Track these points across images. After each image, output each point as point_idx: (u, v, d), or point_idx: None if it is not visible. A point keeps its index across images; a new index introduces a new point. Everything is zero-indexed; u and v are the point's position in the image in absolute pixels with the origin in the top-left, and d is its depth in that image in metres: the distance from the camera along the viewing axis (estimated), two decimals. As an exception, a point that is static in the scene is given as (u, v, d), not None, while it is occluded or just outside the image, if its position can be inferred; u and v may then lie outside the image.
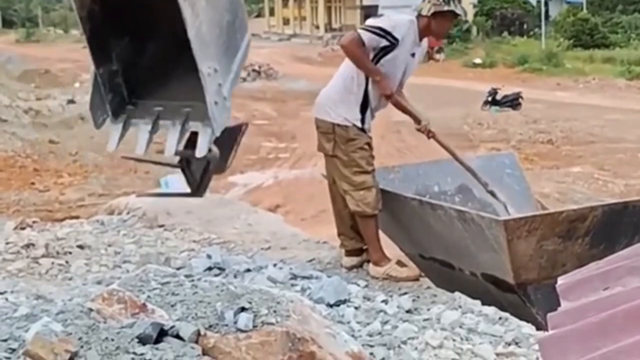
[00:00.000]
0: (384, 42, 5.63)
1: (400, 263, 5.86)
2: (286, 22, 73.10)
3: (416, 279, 5.75)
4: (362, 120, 5.73)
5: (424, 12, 5.74)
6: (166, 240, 6.79)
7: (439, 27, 5.83)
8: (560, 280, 2.04)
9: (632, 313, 1.67)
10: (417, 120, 6.06)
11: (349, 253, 6.07)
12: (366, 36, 5.60)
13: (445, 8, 5.74)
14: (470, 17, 51.11)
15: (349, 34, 5.74)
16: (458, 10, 5.83)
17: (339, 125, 5.69)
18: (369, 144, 5.79)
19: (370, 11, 58.21)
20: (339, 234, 6.11)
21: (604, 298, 1.83)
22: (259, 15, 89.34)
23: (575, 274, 2.09)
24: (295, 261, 6.00)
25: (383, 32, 5.62)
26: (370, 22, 5.76)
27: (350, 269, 6.00)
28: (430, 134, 6.09)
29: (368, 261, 5.95)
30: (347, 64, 5.86)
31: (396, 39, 5.65)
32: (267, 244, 6.68)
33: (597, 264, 2.12)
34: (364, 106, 5.73)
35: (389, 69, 5.74)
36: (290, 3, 71.37)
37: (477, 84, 30.69)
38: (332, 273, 5.65)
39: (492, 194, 6.27)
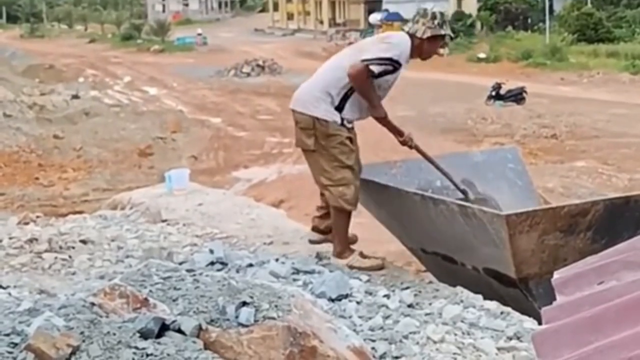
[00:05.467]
0: (389, 69, 5.68)
1: (362, 254, 5.92)
2: (290, 17, 73.14)
3: (380, 269, 5.81)
4: (342, 118, 5.76)
5: (419, 34, 5.73)
6: (169, 235, 6.80)
7: (430, 49, 5.86)
8: (557, 275, 2.05)
9: (626, 307, 1.67)
10: (401, 133, 6.08)
11: (315, 229, 6.23)
12: (377, 69, 5.62)
13: (442, 32, 5.79)
14: (474, 12, 51.08)
15: (358, 65, 5.60)
16: (451, 34, 5.96)
17: (318, 119, 5.72)
18: (350, 139, 5.82)
19: (374, 6, 58.23)
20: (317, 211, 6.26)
21: (598, 292, 1.84)
22: (262, 10, 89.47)
23: (571, 268, 2.09)
24: (298, 256, 6.01)
25: (392, 62, 5.66)
26: (378, 51, 5.65)
27: (313, 243, 6.19)
28: (413, 146, 6.14)
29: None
30: (332, 66, 5.91)
31: (400, 64, 5.71)
32: (270, 239, 6.69)
33: (594, 258, 2.13)
34: (340, 108, 5.76)
35: (384, 86, 5.81)
36: (294, -2, 71.28)
37: (481, 79, 30.68)
38: (334, 268, 5.66)
39: (464, 192, 6.26)
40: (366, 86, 5.69)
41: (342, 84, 5.71)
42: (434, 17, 5.75)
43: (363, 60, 5.60)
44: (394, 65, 5.67)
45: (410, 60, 5.89)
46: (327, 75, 5.85)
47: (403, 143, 6.10)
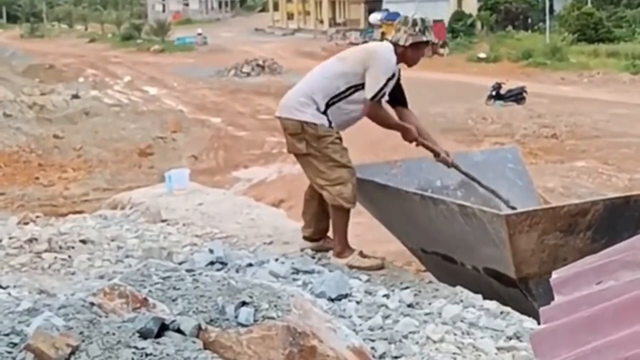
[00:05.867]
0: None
1: (362, 254, 5.94)
2: (290, 16, 73.15)
3: (379, 269, 5.84)
4: (328, 120, 5.82)
5: (402, 42, 5.81)
6: (169, 235, 6.80)
7: (415, 55, 5.94)
8: (555, 274, 2.05)
9: (623, 307, 1.67)
10: (437, 154, 6.19)
11: (307, 238, 6.27)
12: (384, 98, 5.82)
13: (424, 39, 5.86)
14: (474, 11, 51.07)
15: (369, 107, 5.77)
16: (434, 39, 6.01)
17: (306, 123, 5.78)
18: (339, 139, 5.89)
19: (374, 6, 58.21)
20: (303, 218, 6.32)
21: (596, 292, 1.84)
22: (263, 10, 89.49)
23: (570, 267, 2.09)
24: (297, 256, 6.01)
25: (390, 79, 5.78)
26: (374, 84, 5.72)
27: (303, 249, 6.20)
28: (450, 164, 6.23)
29: (328, 249, 6.07)
30: (318, 75, 5.97)
31: (393, 75, 5.83)
32: (270, 238, 6.69)
33: (592, 257, 2.13)
34: (324, 114, 5.83)
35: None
36: (295, -2, 71.27)
37: (481, 79, 30.67)
38: (334, 268, 5.66)
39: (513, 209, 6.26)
40: (386, 118, 5.92)
41: (325, 93, 5.79)
42: (414, 24, 5.83)
43: (371, 99, 5.73)
44: (390, 81, 5.81)
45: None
46: (312, 84, 5.92)
47: (441, 162, 6.22)
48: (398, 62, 5.87)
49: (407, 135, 6.05)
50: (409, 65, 6.00)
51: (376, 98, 5.74)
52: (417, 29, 5.80)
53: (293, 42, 57.09)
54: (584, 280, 1.95)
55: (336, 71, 5.85)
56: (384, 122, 5.95)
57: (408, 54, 5.86)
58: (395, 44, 5.83)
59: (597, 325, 1.67)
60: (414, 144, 6.14)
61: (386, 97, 5.92)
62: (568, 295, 1.90)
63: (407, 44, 5.80)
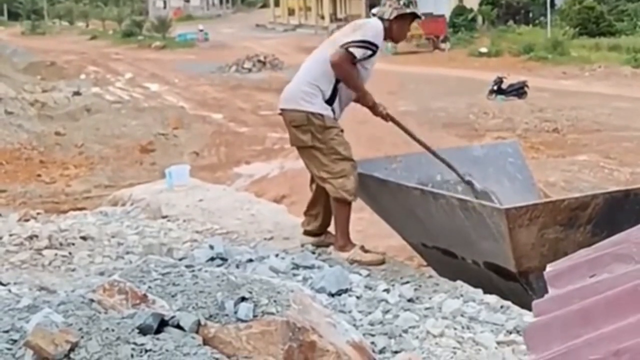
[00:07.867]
0: (369, 52, 5.79)
1: (363, 249, 5.96)
2: (291, 12, 73.07)
3: (380, 264, 5.86)
4: (333, 111, 5.84)
5: (387, 16, 5.88)
6: (169, 231, 6.81)
7: (400, 30, 5.99)
8: (549, 267, 2.05)
9: (616, 300, 1.68)
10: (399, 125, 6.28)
11: (308, 233, 6.28)
12: (358, 52, 5.74)
13: (408, 11, 5.92)
14: (475, 6, 50.98)
15: (339, 51, 5.72)
16: (419, 12, 6.05)
17: (313, 114, 5.78)
18: (342, 131, 5.92)
19: (374, 1, 58.19)
20: (305, 214, 6.32)
21: (589, 285, 1.84)
22: (264, 6, 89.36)
23: (564, 261, 2.09)
24: (298, 251, 6.01)
25: (370, 44, 5.77)
26: (356, 35, 5.75)
27: (304, 245, 6.22)
28: (399, 125, 6.30)
29: (328, 244, 6.08)
30: (315, 61, 5.97)
31: (377, 47, 5.83)
32: (270, 234, 6.70)
33: (587, 250, 2.13)
34: (331, 101, 5.84)
35: (365, 72, 5.91)
36: (296, -7, 71.23)
37: (482, 73, 30.61)
38: (334, 263, 5.67)
39: (470, 183, 6.38)
40: (350, 72, 5.79)
41: (329, 77, 5.80)
42: None
43: (342, 45, 5.70)
44: (371, 48, 5.77)
45: (385, 43, 6.00)
46: (313, 71, 5.92)
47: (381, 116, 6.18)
48: (386, 37, 5.90)
49: (368, 101, 6.00)
50: (396, 40, 6.07)
51: (348, 45, 5.69)
52: (401, 2, 5.89)
53: (294, 38, 57.02)
54: (577, 273, 1.95)
55: (332, 51, 5.83)
56: (348, 75, 5.79)
57: (394, 28, 5.91)
58: (381, 19, 5.89)
59: (590, 318, 1.67)
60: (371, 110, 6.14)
61: (369, 75, 5.90)
62: (561, 289, 1.90)
63: (392, 17, 5.87)
